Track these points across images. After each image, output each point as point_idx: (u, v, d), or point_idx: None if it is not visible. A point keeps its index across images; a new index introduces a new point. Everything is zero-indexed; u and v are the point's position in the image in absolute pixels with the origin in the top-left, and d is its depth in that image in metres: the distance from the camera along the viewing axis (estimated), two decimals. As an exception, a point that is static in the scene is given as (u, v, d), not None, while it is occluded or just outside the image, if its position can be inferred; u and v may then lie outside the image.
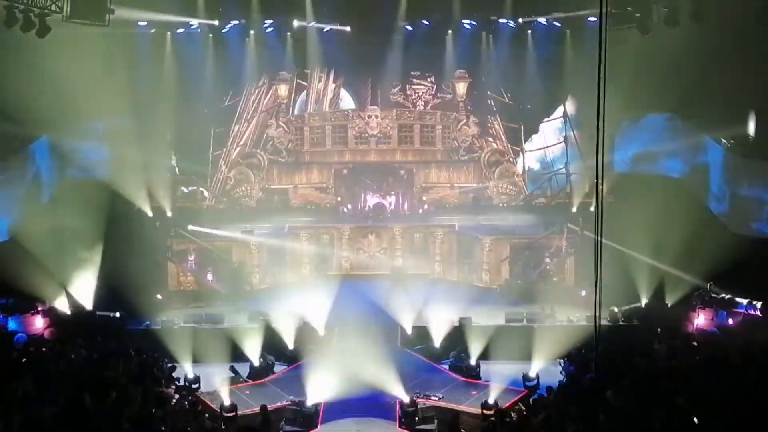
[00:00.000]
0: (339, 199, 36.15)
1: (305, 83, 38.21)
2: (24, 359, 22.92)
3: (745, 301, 27.27)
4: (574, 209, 33.02)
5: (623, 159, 36.37)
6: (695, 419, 18.64)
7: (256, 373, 25.30)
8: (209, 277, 31.13)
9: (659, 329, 25.75)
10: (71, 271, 29.31)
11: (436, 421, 21.91)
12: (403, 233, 33.44)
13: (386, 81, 37.67)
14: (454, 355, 26.15)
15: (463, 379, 24.81)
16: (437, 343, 26.78)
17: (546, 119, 37.72)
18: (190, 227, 32.33)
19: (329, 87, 38.41)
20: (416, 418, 22.02)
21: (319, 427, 21.89)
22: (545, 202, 35.88)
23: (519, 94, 37.34)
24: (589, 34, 33.28)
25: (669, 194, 33.66)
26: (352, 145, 37.31)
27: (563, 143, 36.73)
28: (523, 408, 21.41)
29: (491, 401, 22.25)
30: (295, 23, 35.64)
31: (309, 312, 28.06)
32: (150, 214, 33.19)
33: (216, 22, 35.66)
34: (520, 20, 35.40)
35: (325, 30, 35.98)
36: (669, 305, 27.86)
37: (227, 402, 22.29)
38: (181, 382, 23.78)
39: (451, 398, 23.36)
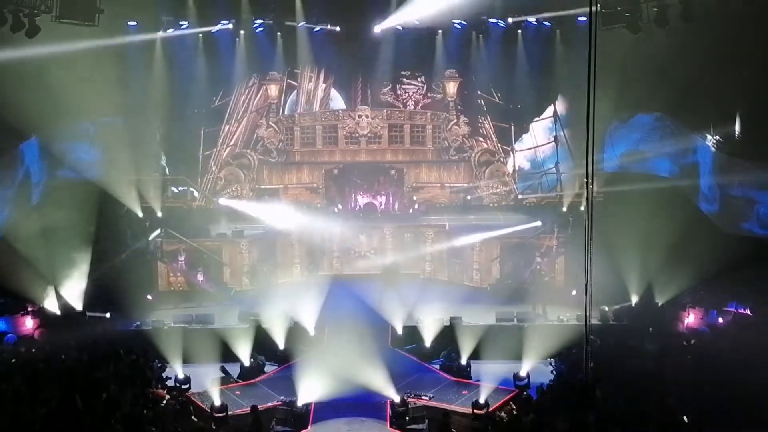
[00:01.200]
0: (329, 199, 36.12)
1: (295, 83, 38.18)
2: (14, 360, 22.88)
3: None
4: (565, 209, 33.05)
5: (611, 158, 36.45)
6: (685, 418, 18.70)
7: (246, 374, 25.27)
8: (199, 277, 31.07)
9: (650, 328, 25.79)
10: (61, 272, 29.26)
11: (426, 420, 21.91)
12: (394, 233, 33.45)
13: (376, 81, 37.67)
14: (444, 355, 26.14)
15: (453, 378, 24.82)
16: (428, 342, 26.78)
17: (536, 119, 37.74)
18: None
19: (319, 87, 38.38)
20: (407, 418, 22.01)
21: (309, 427, 21.88)
22: (535, 201, 35.92)
23: (509, 94, 37.34)
24: (578, 33, 33.32)
25: (659, 194, 33.73)
26: (342, 145, 37.30)
27: (553, 143, 36.77)
28: (514, 407, 21.43)
29: (482, 401, 22.27)
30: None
31: (299, 312, 28.04)
32: (140, 214, 33.15)
33: (206, 23, 35.62)
34: (510, 20, 35.41)
35: (315, 30, 35.97)
36: (659, 304, 27.90)
37: (218, 402, 22.26)
38: (172, 383, 23.74)
39: (442, 398, 23.38)
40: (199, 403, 22.59)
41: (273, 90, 37.55)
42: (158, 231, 31.86)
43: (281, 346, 26.51)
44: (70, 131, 36.21)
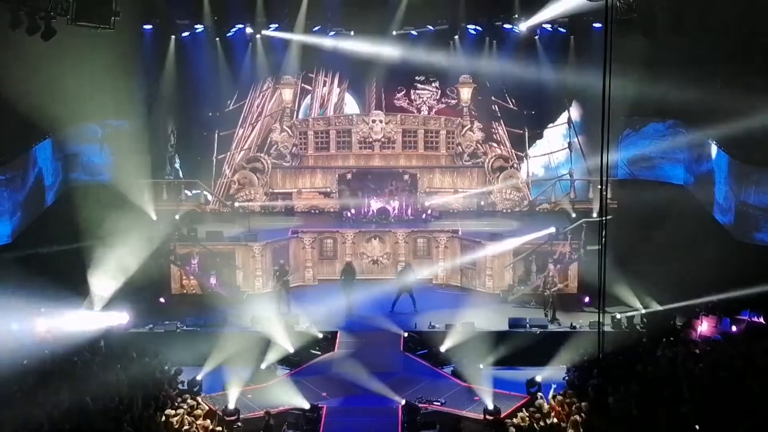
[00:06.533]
0: (342, 203, 36.11)
1: (310, 87, 38.22)
2: (25, 361, 22.92)
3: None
4: (578, 215, 32.88)
5: (622, 165, 36.39)
6: (697, 427, 18.62)
7: (258, 377, 25.26)
8: (212, 280, 31.06)
9: (662, 336, 25.68)
10: (74, 274, 29.31)
11: (438, 426, 21.89)
12: (407, 238, 33.39)
13: (390, 86, 37.68)
14: (456, 360, 26.10)
15: (465, 384, 24.78)
16: (440, 348, 26.72)
17: (550, 125, 37.71)
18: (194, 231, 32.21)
19: (333, 91, 38.40)
20: (418, 423, 22.00)
21: (321, 431, 21.90)
22: (549, 208, 35.86)
23: (523, 100, 37.33)
24: (593, 39, 33.32)
25: (673, 202, 33.68)
26: (356, 150, 37.32)
27: (567, 149, 36.73)
28: (526, 414, 21.37)
29: (494, 407, 22.23)
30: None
31: (312, 316, 28.06)
32: (154, 217, 33.24)
33: (221, 27, 35.79)
34: (525, 26, 35.37)
35: (330, 34, 36.04)
36: (672, 312, 27.77)
37: (230, 406, 22.27)
38: (184, 386, 23.75)
39: (454, 403, 23.36)
40: (211, 407, 22.60)
41: (287, 94, 37.59)
42: (171, 234, 31.83)
43: (293, 350, 26.50)
44: (84, 133, 36.36)
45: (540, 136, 37.95)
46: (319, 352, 26.87)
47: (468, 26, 36.22)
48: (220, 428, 21.29)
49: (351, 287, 30.25)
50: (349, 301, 29.88)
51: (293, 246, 33.09)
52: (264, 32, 36.02)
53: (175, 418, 20.57)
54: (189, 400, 22.05)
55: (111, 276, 29.14)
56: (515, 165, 37.43)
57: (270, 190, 36.90)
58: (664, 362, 23.10)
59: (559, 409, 21.22)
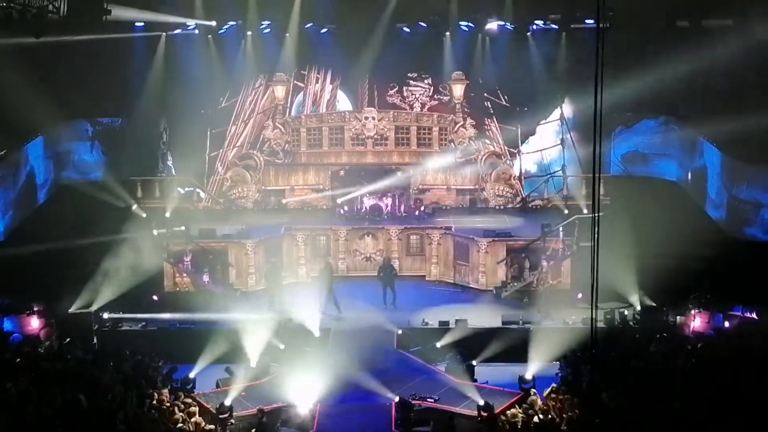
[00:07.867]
0: (335, 200, 36.08)
1: (302, 84, 38.24)
2: (18, 360, 22.87)
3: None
4: (570, 212, 32.91)
5: (615, 161, 36.45)
6: (691, 422, 18.64)
7: (252, 375, 25.22)
8: (205, 278, 31.01)
9: (655, 332, 25.71)
10: (66, 272, 29.25)
11: (431, 423, 21.87)
12: (400, 235, 33.37)
13: (383, 82, 37.71)
14: (450, 357, 26.08)
15: (459, 381, 24.75)
16: (433, 344, 26.70)
17: (543, 121, 37.75)
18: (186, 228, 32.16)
19: (326, 88, 38.42)
20: (412, 420, 21.98)
21: (314, 428, 21.87)
22: (542, 204, 35.87)
23: (516, 97, 37.39)
24: (586, 36, 33.36)
25: (666, 198, 33.74)
26: (348, 147, 37.32)
27: (560, 145, 36.72)
28: (519, 410, 21.38)
29: (487, 403, 22.21)
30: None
31: (305, 313, 28.01)
32: (145, 215, 33.17)
33: (213, 23, 35.82)
34: (517, 23, 35.46)
35: (322, 31, 36.05)
36: (665, 308, 27.81)
37: (224, 403, 22.24)
38: (177, 384, 23.71)
39: (447, 400, 23.30)
40: (204, 404, 22.56)
41: (280, 91, 37.59)
42: (164, 231, 31.76)
43: (286, 347, 26.46)
44: (76, 132, 36.35)
45: (533, 133, 38.03)
46: (313, 350, 26.82)
47: (460, 23, 36.24)
48: (213, 426, 21.25)
49: (329, 286, 29.95)
50: (325, 299, 29.65)
51: (286, 243, 33.05)
52: (256, 29, 36.09)
53: (169, 416, 20.57)
54: (182, 398, 22.04)
55: (103, 274, 29.07)
56: (508, 161, 37.46)
57: (263, 187, 36.86)
58: (657, 358, 23.15)
59: (553, 405, 21.25)
